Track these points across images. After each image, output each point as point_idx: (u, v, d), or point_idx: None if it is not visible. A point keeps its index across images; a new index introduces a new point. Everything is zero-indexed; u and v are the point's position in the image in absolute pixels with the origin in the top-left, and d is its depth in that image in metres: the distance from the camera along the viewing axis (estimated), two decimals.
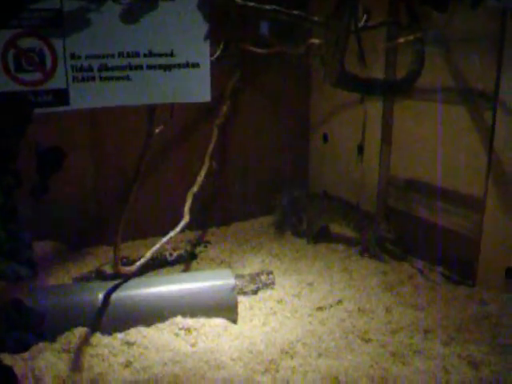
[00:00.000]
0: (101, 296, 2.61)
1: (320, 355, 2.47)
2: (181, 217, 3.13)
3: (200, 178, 3.36)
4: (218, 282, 2.78)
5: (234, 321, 2.76)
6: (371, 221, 3.49)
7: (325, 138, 4.09)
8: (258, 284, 3.10)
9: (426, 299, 2.93)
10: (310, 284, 3.15)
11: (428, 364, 2.34)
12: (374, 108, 3.59)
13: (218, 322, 2.70)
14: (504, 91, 2.80)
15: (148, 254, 2.84)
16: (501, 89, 2.82)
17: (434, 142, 3.23)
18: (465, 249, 3.10)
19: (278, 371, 2.36)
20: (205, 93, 2.36)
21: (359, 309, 2.85)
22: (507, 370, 2.26)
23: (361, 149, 3.72)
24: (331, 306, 2.90)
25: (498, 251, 2.92)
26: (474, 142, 3.01)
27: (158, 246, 2.92)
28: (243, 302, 2.96)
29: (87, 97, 2.19)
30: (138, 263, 2.80)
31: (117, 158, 3.56)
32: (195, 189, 3.31)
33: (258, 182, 4.15)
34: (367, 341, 2.58)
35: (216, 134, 3.54)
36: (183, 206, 3.21)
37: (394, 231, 3.39)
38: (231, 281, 2.77)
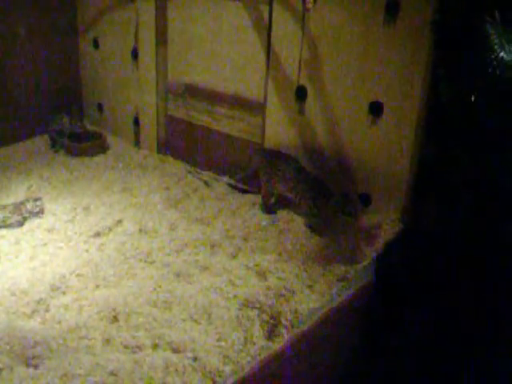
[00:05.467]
0: None
1: (97, 286, 2.22)
2: None
3: None
4: None
5: None
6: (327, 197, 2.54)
7: (95, 43, 3.61)
8: (23, 214, 2.69)
9: (212, 212, 2.79)
10: (86, 208, 2.82)
11: (214, 280, 2.20)
12: (147, 7, 3.21)
13: None
14: None
15: None
16: None
17: (212, 44, 2.99)
18: (248, 156, 2.97)
19: (47, 311, 2.08)
20: None
21: (140, 229, 2.62)
22: (293, 277, 2.22)
23: (135, 54, 3.34)
24: (110, 230, 2.63)
25: None
26: (252, 42, 2.82)
27: None
28: (6, 236, 2.58)
29: None
30: None
31: None
32: None
33: (21, 98, 3.56)
34: (150, 263, 2.37)
35: None
36: None
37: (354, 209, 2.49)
38: None
